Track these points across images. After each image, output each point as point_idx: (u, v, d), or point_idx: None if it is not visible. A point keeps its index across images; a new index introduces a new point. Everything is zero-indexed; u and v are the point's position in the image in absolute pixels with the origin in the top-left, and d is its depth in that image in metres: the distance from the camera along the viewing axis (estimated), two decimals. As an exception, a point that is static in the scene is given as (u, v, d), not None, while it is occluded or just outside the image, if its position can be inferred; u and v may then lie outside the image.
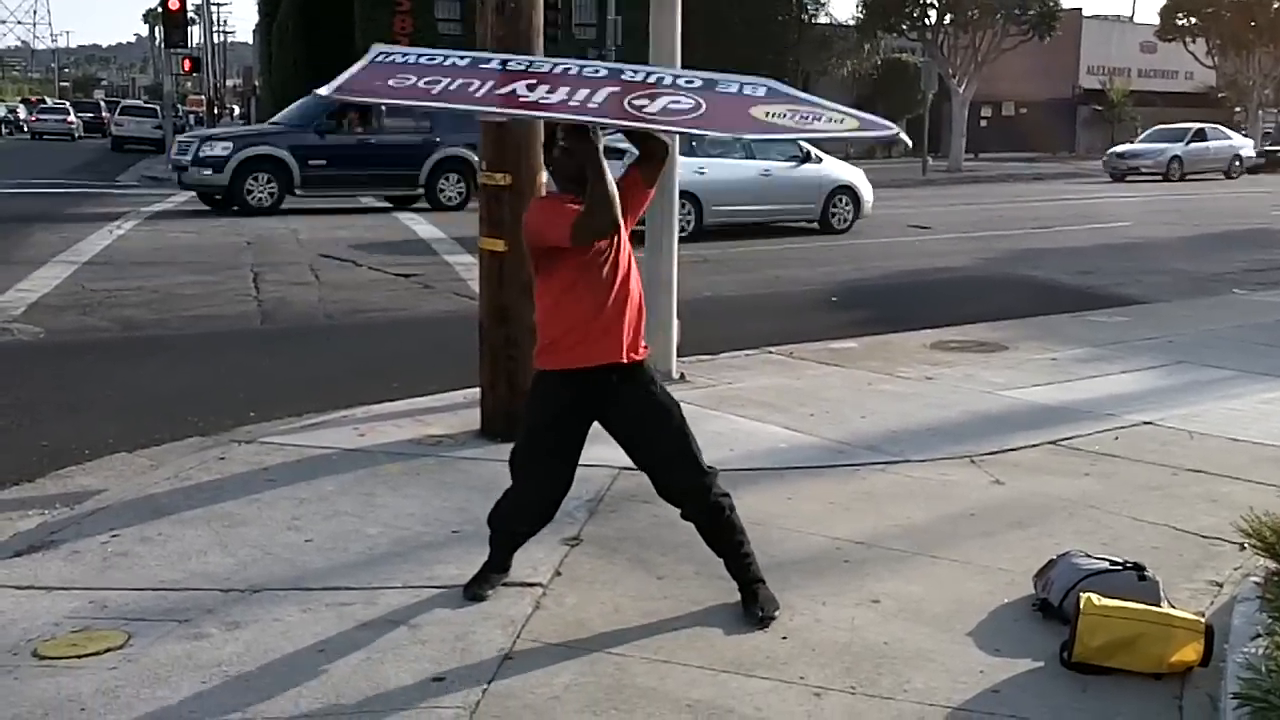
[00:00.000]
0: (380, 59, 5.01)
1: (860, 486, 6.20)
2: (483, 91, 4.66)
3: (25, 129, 69.52)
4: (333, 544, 5.30)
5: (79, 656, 4.16)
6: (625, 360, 4.45)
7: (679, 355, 8.76)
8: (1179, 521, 5.64)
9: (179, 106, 46.19)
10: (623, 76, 4.67)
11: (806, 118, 4.38)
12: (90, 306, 12.28)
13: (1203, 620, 4.15)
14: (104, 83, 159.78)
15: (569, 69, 4.80)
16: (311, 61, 43.25)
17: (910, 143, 4.46)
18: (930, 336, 10.52)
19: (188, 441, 7.38)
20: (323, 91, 4.83)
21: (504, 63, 5.00)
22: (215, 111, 69.32)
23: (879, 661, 4.16)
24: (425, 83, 4.75)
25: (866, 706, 3.85)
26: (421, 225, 20.83)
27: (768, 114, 4.39)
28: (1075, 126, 59.19)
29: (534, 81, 4.69)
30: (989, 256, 17.83)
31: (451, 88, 4.70)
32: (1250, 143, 44.12)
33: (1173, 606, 4.31)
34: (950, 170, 41.78)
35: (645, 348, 4.57)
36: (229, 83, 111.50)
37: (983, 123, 54.14)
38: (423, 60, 4.95)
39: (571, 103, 4.43)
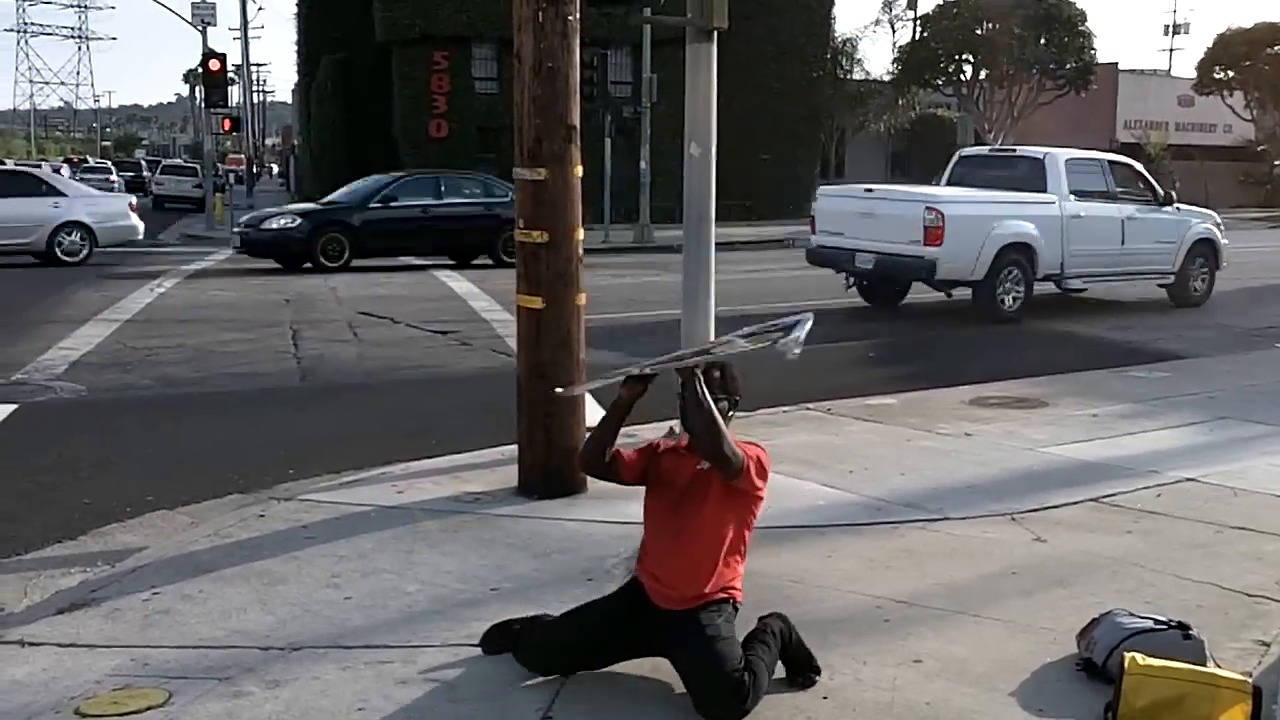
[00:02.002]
0: None
1: (900, 544, 6.16)
2: None
3: (68, 189, 70.46)
4: (371, 601, 5.31)
5: (121, 715, 4.18)
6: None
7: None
8: (1224, 580, 5.58)
9: (219, 165, 46.67)
10: None
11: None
12: (131, 364, 12.40)
13: (1250, 680, 4.10)
14: (145, 142, 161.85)
15: None
16: (349, 120, 43.80)
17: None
18: (969, 393, 10.47)
19: (228, 499, 7.42)
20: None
21: None
22: (254, 170, 70.15)
23: (921, 722, 4.12)
24: None
25: (909, 768, 3.81)
26: (459, 283, 20.94)
27: None
28: (1113, 181, 59.08)
29: None
30: (1025, 311, 17.71)
31: None
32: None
33: (1219, 666, 4.26)
34: (987, 225, 41.73)
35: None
36: (268, 141, 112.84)
37: (1021, 177, 54.09)
38: None
39: None
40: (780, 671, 4.47)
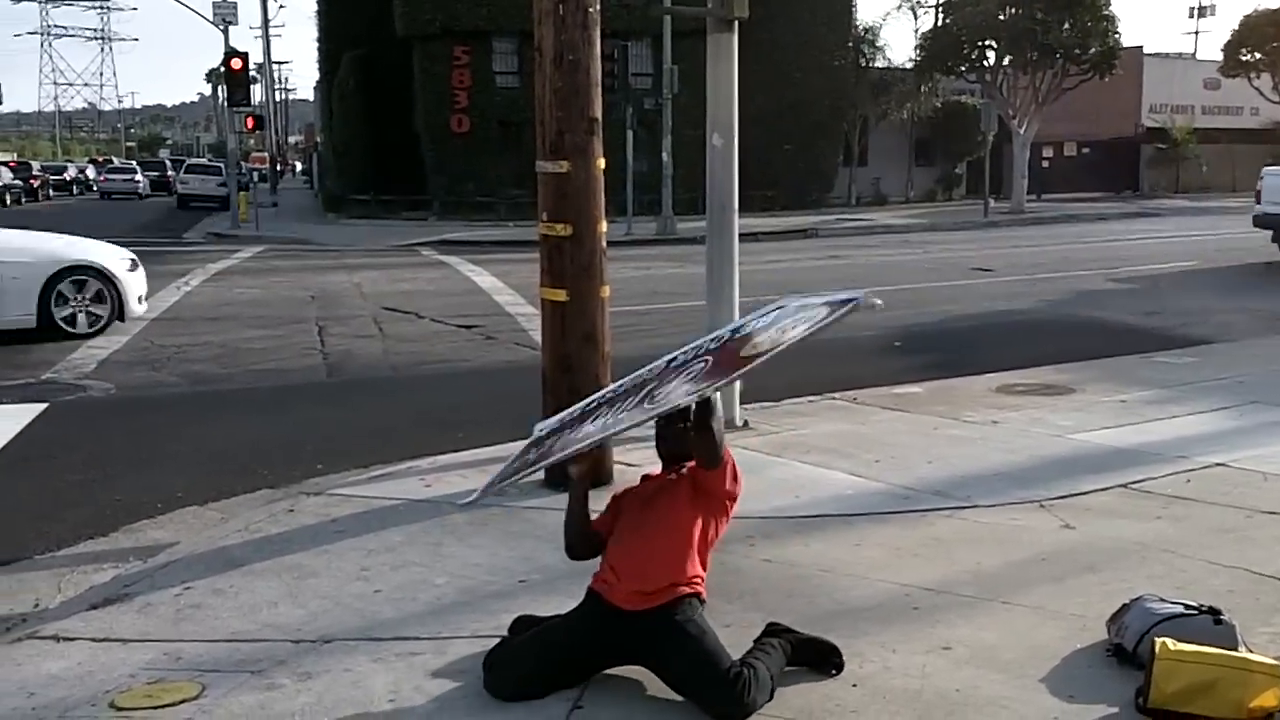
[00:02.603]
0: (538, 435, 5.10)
1: (928, 532, 6.15)
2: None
3: (94, 189, 70.86)
4: (401, 594, 5.33)
5: (155, 707, 4.21)
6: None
7: (742, 402, 8.76)
8: (1255, 564, 5.55)
9: (242, 164, 46.81)
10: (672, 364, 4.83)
11: (783, 330, 4.52)
12: (159, 362, 12.48)
13: (1281, 664, 4.08)
14: (169, 141, 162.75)
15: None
16: (371, 116, 43.88)
17: (880, 302, 4.49)
18: (995, 380, 10.44)
19: (257, 494, 7.46)
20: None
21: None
22: (278, 168, 70.38)
23: (951, 709, 4.11)
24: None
25: (940, 754, 3.81)
26: (483, 277, 21.00)
27: (753, 346, 4.53)
28: (1139, 165, 58.66)
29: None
30: (1053, 298, 17.70)
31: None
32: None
33: (1250, 651, 4.24)
34: (1012, 212, 41.53)
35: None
36: (291, 139, 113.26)
37: (1044, 163, 53.76)
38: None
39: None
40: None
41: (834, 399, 9.71)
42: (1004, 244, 28.78)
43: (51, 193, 65.00)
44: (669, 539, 4.45)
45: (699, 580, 4.45)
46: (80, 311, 14.08)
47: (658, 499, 4.56)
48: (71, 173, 75.67)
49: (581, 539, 4.74)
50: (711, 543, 4.62)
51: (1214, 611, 4.43)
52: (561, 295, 6.95)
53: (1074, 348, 12.41)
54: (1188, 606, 4.50)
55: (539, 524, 6.30)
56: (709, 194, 8.70)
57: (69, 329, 13.90)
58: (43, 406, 10.07)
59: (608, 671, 4.36)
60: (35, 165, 70.62)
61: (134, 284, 14.66)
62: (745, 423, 8.64)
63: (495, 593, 5.33)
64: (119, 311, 14.38)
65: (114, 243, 15.92)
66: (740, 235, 9.07)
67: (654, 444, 4.80)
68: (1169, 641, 4.08)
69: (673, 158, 32.67)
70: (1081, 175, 55.62)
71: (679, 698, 4.15)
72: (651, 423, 4.60)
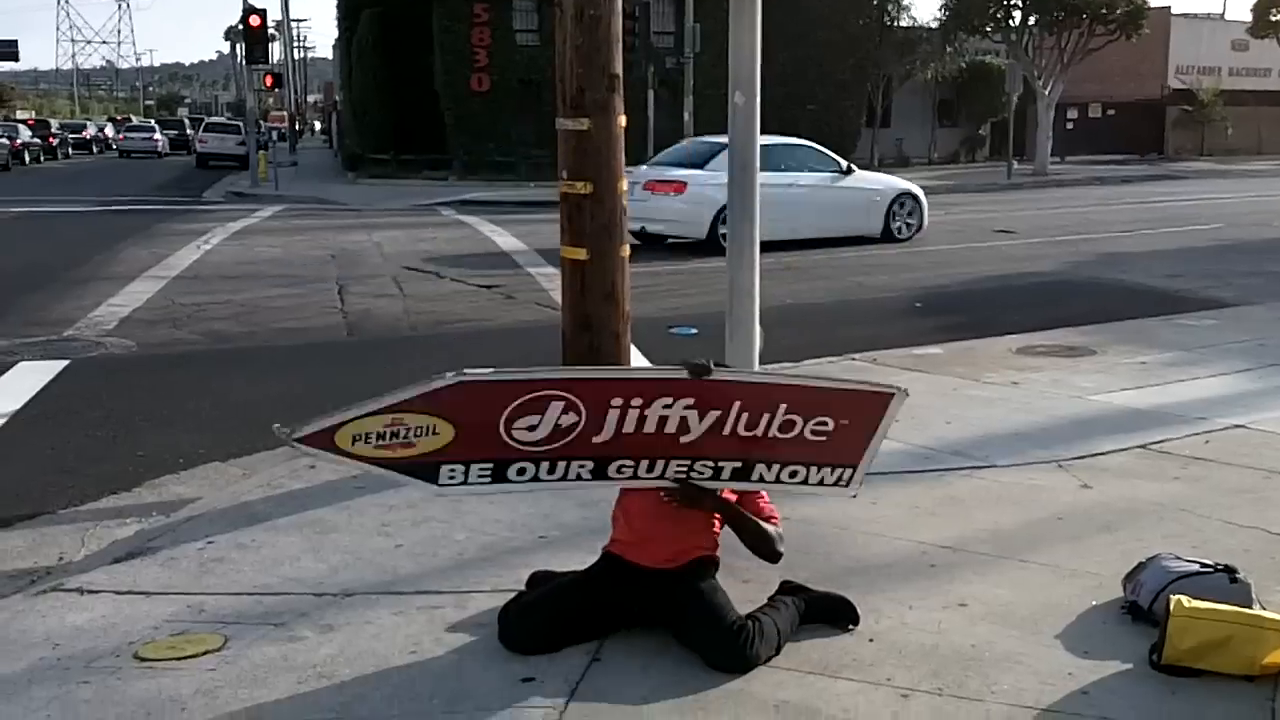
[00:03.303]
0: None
1: (946, 492, 6.17)
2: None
3: (113, 147, 70.98)
4: (422, 549, 5.37)
5: (178, 659, 4.26)
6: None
7: (762, 362, 8.76)
8: (1272, 525, 5.55)
9: (261, 123, 46.81)
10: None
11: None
12: (180, 320, 12.54)
13: (1296, 622, 4.09)
14: (187, 100, 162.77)
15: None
16: (391, 75, 43.81)
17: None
18: (1016, 342, 10.43)
19: (279, 450, 7.48)
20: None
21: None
22: (297, 127, 70.30)
23: (966, 664, 4.14)
24: None
25: (954, 708, 3.84)
26: (503, 237, 21.00)
27: None
28: (1164, 128, 58.24)
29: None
30: (1075, 260, 17.64)
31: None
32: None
33: (1265, 609, 4.25)
34: (1036, 174, 41.33)
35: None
36: (310, 98, 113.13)
37: (1069, 125, 53.47)
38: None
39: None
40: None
41: (854, 359, 9.71)
42: (1027, 206, 28.65)
43: (70, 151, 65.11)
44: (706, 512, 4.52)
45: (715, 546, 4.53)
46: (903, 224, 20.63)
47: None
48: (91, 131, 75.79)
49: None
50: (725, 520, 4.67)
51: (1230, 570, 4.45)
52: (582, 254, 6.95)
53: (1095, 309, 12.39)
54: (1203, 565, 4.51)
55: (558, 481, 6.33)
56: (730, 152, 8.66)
57: (896, 236, 20.42)
58: (64, 363, 10.13)
59: (626, 626, 4.40)
60: (54, 123, 70.71)
61: (927, 207, 21.21)
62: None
63: (515, 548, 5.36)
64: (920, 225, 20.86)
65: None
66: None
67: None
68: (1184, 599, 4.10)
69: (694, 118, 32.53)
70: (1106, 137, 55.30)
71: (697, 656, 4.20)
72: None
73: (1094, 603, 4.66)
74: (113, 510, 6.44)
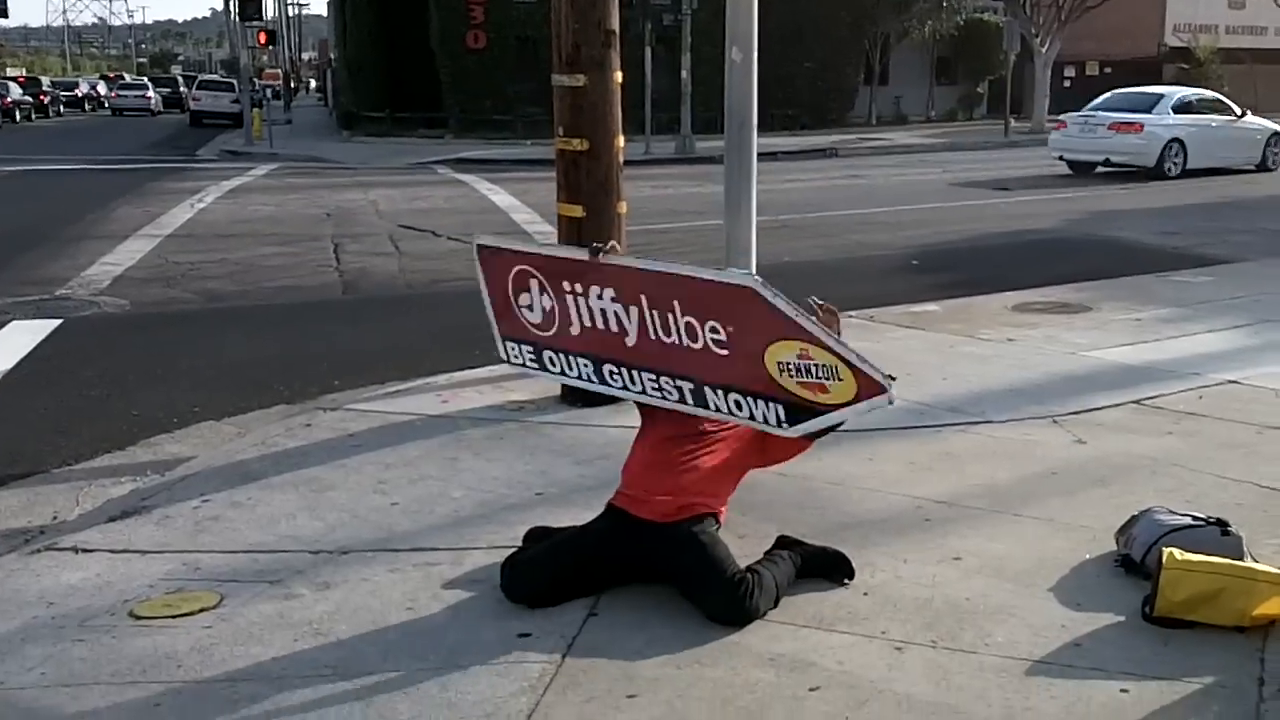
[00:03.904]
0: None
1: (942, 447, 6.18)
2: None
3: (106, 105, 70.60)
4: (418, 507, 5.38)
5: (174, 616, 4.27)
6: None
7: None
8: (1263, 479, 5.58)
9: (255, 81, 46.54)
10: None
11: (816, 375, 4.33)
12: (174, 279, 12.51)
13: (1287, 574, 4.11)
14: (180, 58, 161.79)
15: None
16: (386, 32, 43.52)
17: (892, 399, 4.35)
18: (1012, 299, 10.44)
19: (274, 409, 7.51)
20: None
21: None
22: (291, 85, 69.92)
23: (960, 616, 4.17)
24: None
25: (948, 660, 3.86)
26: (500, 195, 20.94)
27: (780, 368, 4.33)
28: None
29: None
30: (1072, 218, 17.62)
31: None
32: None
33: (1256, 561, 4.27)
34: (1033, 131, 41.11)
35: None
36: (304, 56, 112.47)
37: (1066, 83, 53.13)
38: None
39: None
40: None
41: (851, 317, 9.68)
42: (1024, 164, 28.57)
43: (62, 109, 64.73)
44: (714, 459, 4.55)
45: (721, 502, 4.55)
46: (1272, 157, 25.27)
47: (707, 428, 4.59)
48: (83, 89, 75.24)
49: None
50: (741, 473, 4.72)
51: (1222, 523, 4.47)
52: (578, 211, 6.93)
53: (1091, 267, 12.39)
54: (1196, 518, 4.54)
55: (555, 438, 6.35)
56: (727, 110, 8.62)
57: (1269, 168, 25.05)
58: (57, 323, 10.11)
59: (624, 583, 4.41)
60: (45, 81, 70.29)
61: None
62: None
63: (512, 505, 5.37)
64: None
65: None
66: (760, 154, 8.99)
67: None
68: (1176, 551, 4.12)
69: (692, 76, 32.33)
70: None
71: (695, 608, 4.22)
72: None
73: (1087, 556, 4.68)
74: (107, 469, 6.44)
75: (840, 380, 4.22)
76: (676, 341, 4.52)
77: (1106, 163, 24.40)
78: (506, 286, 5.12)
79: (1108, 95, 26.68)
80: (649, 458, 4.57)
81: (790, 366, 4.25)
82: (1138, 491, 5.35)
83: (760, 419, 4.39)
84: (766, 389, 4.33)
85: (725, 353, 4.40)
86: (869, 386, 4.22)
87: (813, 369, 4.23)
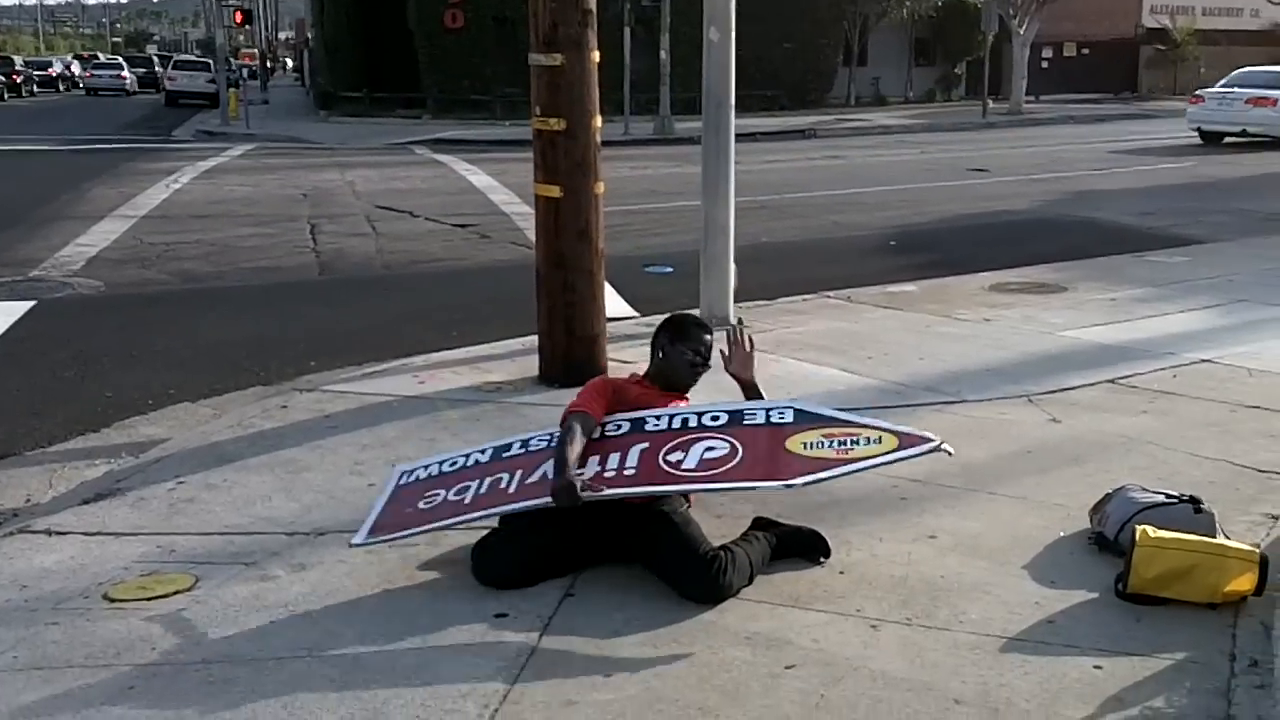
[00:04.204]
0: (404, 481, 4.87)
1: (918, 426, 6.16)
2: (514, 485, 4.50)
3: (80, 85, 70.03)
4: (395, 487, 5.36)
5: (149, 599, 4.25)
6: None
7: (736, 300, 8.77)
8: (1236, 457, 5.61)
9: (232, 60, 46.21)
10: (646, 427, 4.54)
11: (844, 444, 4.22)
12: (149, 260, 12.44)
13: (1257, 550, 4.14)
14: (156, 37, 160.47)
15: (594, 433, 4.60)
16: (363, 12, 43.26)
17: (951, 451, 4.27)
18: (989, 279, 10.47)
19: (250, 391, 7.48)
20: (355, 541, 4.51)
21: (525, 444, 4.78)
22: (268, 65, 69.48)
23: (935, 594, 4.19)
24: (455, 493, 4.62)
25: (922, 637, 3.88)
26: (478, 176, 20.88)
27: (804, 445, 4.26)
28: (1138, 67, 58.08)
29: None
30: (1049, 199, 17.66)
31: (483, 491, 4.55)
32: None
33: (1228, 539, 4.30)
34: (1011, 112, 41.20)
35: None
36: (281, 35, 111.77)
37: (1044, 64, 53.19)
38: (445, 468, 4.83)
39: (607, 473, 4.33)
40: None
41: (828, 297, 9.72)
42: (1001, 145, 28.61)
43: (36, 89, 64.14)
44: None
45: None
46: None
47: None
48: (57, 69, 74.56)
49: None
50: None
51: (1194, 500, 4.49)
52: (555, 191, 6.91)
53: (1068, 247, 12.43)
54: (1169, 496, 4.56)
55: (532, 419, 6.33)
56: (705, 90, 8.62)
57: None
58: (31, 304, 10.05)
59: (599, 563, 4.42)
60: (18, 61, 69.64)
61: None
62: (740, 321, 8.64)
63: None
64: None
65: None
66: (738, 135, 9.01)
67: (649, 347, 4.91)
68: (1149, 529, 4.14)
69: (671, 57, 32.25)
70: (1080, 76, 55.11)
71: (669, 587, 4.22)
72: None
73: (1061, 534, 4.71)
74: (81, 451, 6.40)
75: (879, 443, 4.20)
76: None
77: (1243, 133, 27.04)
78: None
79: (1239, 73, 29.04)
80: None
81: (814, 443, 4.25)
82: (1112, 470, 5.38)
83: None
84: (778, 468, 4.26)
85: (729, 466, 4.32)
86: (913, 441, 4.21)
87: (846, 440, 4.23)
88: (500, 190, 18.52)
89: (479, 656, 3.79)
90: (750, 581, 4.23)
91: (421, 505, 4.64)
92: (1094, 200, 17.38)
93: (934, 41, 52.66)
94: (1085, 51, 56.77)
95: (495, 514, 4.48)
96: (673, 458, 4.34)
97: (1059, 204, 17.11)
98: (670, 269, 11.51)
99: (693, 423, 4.52)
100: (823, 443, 4.25)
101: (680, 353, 4.80)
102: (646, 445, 4.44)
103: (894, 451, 4.17)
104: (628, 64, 31.21)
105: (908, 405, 6.55)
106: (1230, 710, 3.42)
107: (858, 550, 4.56)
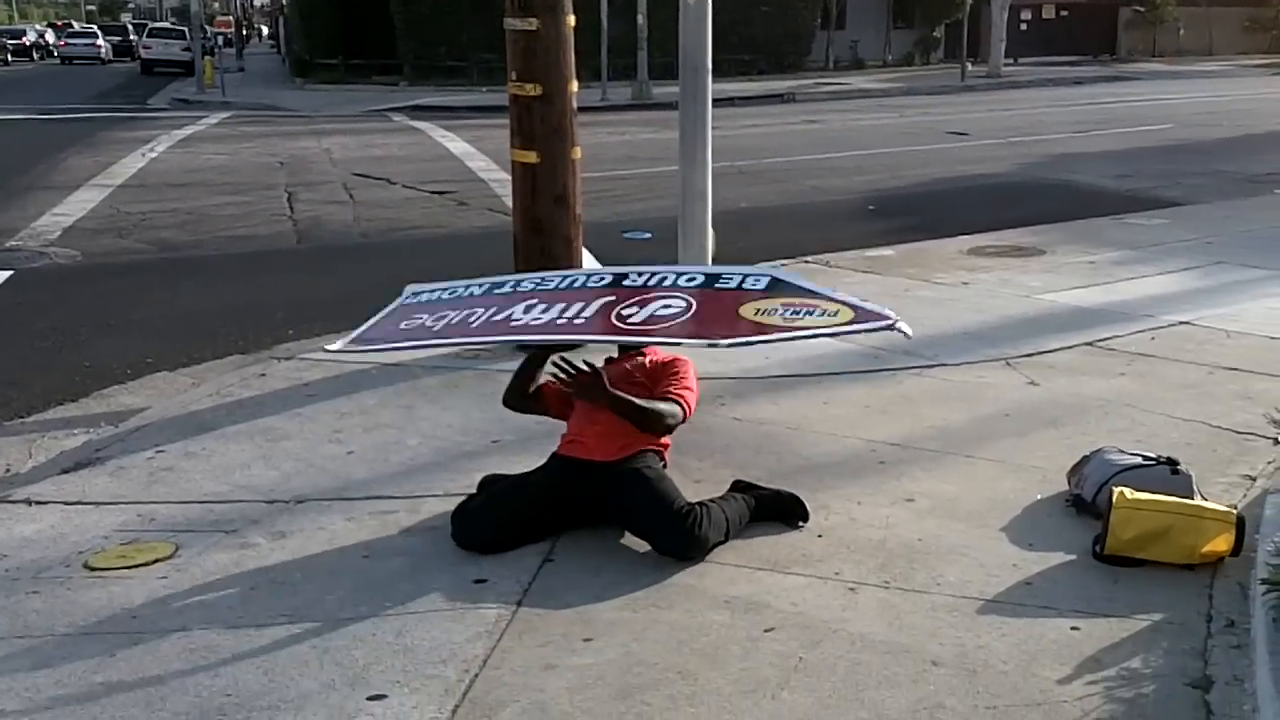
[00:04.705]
0: (410, 300, 5.14)
1: (896, 390, 6.22)
2: (479, 321, 4.71)
3: (55, 54, 69.40)
4: (374, 455, 5.38)
5: (129, 567, 4.26)
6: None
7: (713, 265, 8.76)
8: (1214, 418, 5.64)
9: (207, 28, 45.84)
10: (625, 283, 4.69)
11: (797, 311, 4.24)
12: (126, 229, 12.37)
13: (1234, 511, 4.16)
14: (130, 5, 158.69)
15: (575, 281, 4.85)
16: (339, -23, 42.83)
17: (909, 333, 4.29)
18: (967, 243, 10.48)
19: (228, 359, 7.47)
20: (333, 347, 4.86)
21: (516, 284, 5.01)
22: (243, 33, 68.95)
23: (913, 557, 4.21)
24: (432, 319, 4.84)
25: (900, 600, 3.90)
26: (455, 143, 20.79)
27: (757, 312, 4.28)
28: (1117, 29, 58.04)
29: (533, 302, 4.77)
30: (1027, 162, 17.67)
31: (454, 321, 4.76)
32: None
33: (1205, 500, 4.33)
34: (989, 75, 41.15)
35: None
36: (256, 2, 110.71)
37: (1023, 26, 53.12)
38: (443, 296, 5.09)
39: (559, 320, 4.49)
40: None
41: (807, 262, 9.72)
42: (980, 108, 28.61)
43: (9, 58, 63.51)
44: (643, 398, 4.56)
45: (663, 439, 4.58)
46: None
47: (620, 387, 4.56)
48: (30, 37, 73.75)
49: (519, 394, 4.86)
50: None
51: (1172, 462, 4.52)
52: (532, 157, 6.89)
53: (1046, 210, 12.44)
54: (1146, 458, 4.58)
55: (510, 385, 6.33)
56: (681, 54, 8.57)
57: None
58: (7, 274, 10.00)
59: (578, 528, 4.43)
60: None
61: None
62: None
63: (468, 453, 5.38)
64: None
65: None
66: (716, 100, 8.95)
67: None
68: (1126, 491, 4.16)
69: (648, 21, 32.09)
70: (1059, 39, 55.08)
71: (647, 548, 4.24)
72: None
73: (1039, 496, 4.73)
74: (60, 421, 6.38)
75: (834, 316, 4.24)
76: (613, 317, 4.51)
77: None
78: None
79: None
80: (594, 425, 4.56)
81: (767, 310, 4.27)
82: (1089, 432, 5.40)
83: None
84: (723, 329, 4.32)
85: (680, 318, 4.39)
86: (869, 317, 4.24)
87: (800, 310, 4.24)
88: (478, 157, 18.45)
89: (458, 622, 3.80)
90: (727, 539, 4.26)
91: (403, 325, 4.90)
92: (1072, 163, 17.40)
93: (912, 4, 52.52)
94: (1064, 13, 56.74)
95: (450, 343, 4.55)
96: (626, 312, 4.45)
97: (1037, 167, 17.13)
98: (649, 234, 11.49)
99: (667, 281, 4.64)
100: (776, 309, 4.29)
101: None
102: (610, 298, 4.58)
103: (847, 325, 4.22)
104: (604, 28, 31.07)
105: (886, 369, 6.57)
106: (1207, 670, 3.45)
107: (836, 514, 4.58)
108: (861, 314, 4.24)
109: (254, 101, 32.47)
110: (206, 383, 6.80)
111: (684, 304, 4.44)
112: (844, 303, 4.31)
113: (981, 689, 3.36)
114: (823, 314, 4.25)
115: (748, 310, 4.32)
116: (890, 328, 4.19)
